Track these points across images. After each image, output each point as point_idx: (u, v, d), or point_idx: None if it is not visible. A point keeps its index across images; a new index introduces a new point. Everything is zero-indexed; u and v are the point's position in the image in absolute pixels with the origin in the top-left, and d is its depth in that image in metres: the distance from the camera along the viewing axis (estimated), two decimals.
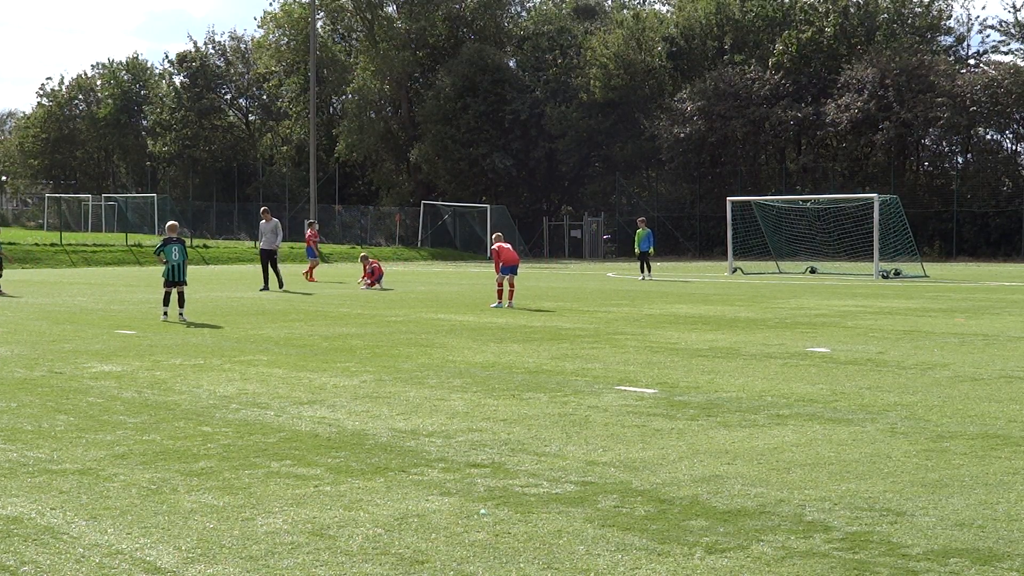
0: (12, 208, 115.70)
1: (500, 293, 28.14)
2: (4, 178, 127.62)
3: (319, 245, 46.30)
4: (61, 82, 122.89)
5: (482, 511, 8.05)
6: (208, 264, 63.20)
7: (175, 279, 24.18)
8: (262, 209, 37.23)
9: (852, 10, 77.78)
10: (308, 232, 45.94)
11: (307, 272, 42.82)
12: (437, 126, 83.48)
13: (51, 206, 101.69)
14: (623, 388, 13.93)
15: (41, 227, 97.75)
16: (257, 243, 37.24)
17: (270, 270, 35.60)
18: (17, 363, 16.62)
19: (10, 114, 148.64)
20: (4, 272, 34.60)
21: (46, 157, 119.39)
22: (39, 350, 18.41)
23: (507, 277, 28.01)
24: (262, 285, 35.34)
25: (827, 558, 6.96)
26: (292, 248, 74.40)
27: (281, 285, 35.37)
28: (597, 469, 9.38)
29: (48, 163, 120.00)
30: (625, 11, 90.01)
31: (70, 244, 71.91)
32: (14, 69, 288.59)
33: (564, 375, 15.19)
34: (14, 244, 69.11)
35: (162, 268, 24.74)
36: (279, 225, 36.48)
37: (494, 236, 30.64)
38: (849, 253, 52.89)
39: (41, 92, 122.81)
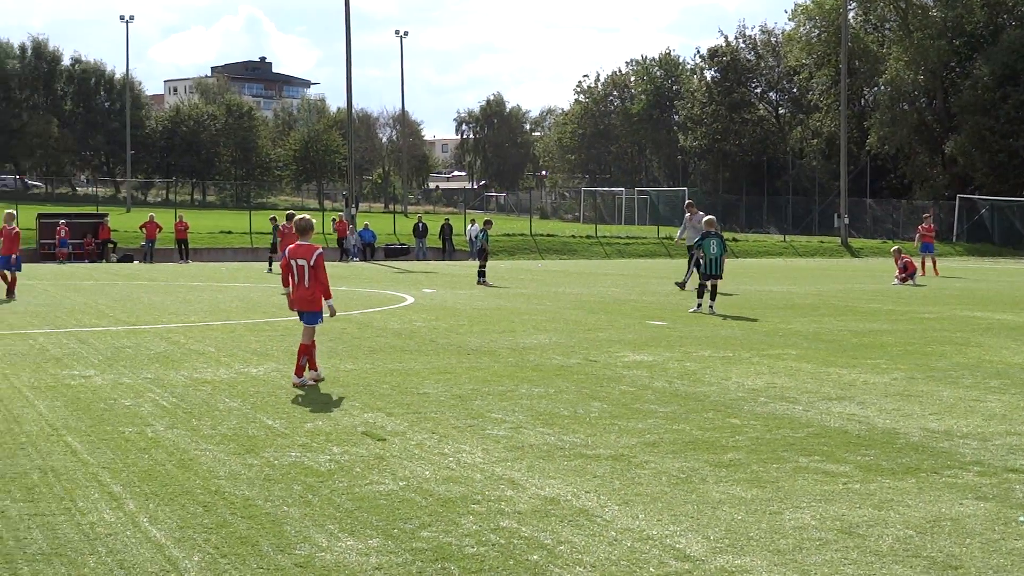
0: (551, 201, 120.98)
1: None
2: (544, 172, 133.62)
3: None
4: (597, 79, 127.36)
5: (1021, 518, 7.66)
6: (737, 257, 63.62)
7: (712, 272, 24.46)
8: (687, 203, 35.02)
9: None
10: (924, 226, 42.61)
11: (923, 266, 40.77)
12: (974, 117, 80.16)
13: (587, 199, 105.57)
14: None
15: (577, 220, 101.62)
16: (680, 238, 34.55)
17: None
18: (555, 350, 17.34)
19: (549, 111, 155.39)
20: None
21: (582, 152, 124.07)
22: (575, 338, 19.12)
23: None
24: (681, 279, 32.89)
25: None
26: (821, 242, 73.68)
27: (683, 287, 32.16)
28: None
29: (584, 158, 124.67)
30: None
31: (604, 236, 74.39)
32: (554, 68, 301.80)
33: None
34: (552, 236, 72.20)
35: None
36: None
37: None
38: None
39: (578, 89, 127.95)
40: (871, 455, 9.71)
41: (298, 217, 14.28)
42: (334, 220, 64.47)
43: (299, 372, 13.62)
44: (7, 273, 27.99)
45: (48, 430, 10.61)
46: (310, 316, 13.82)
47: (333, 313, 14.25)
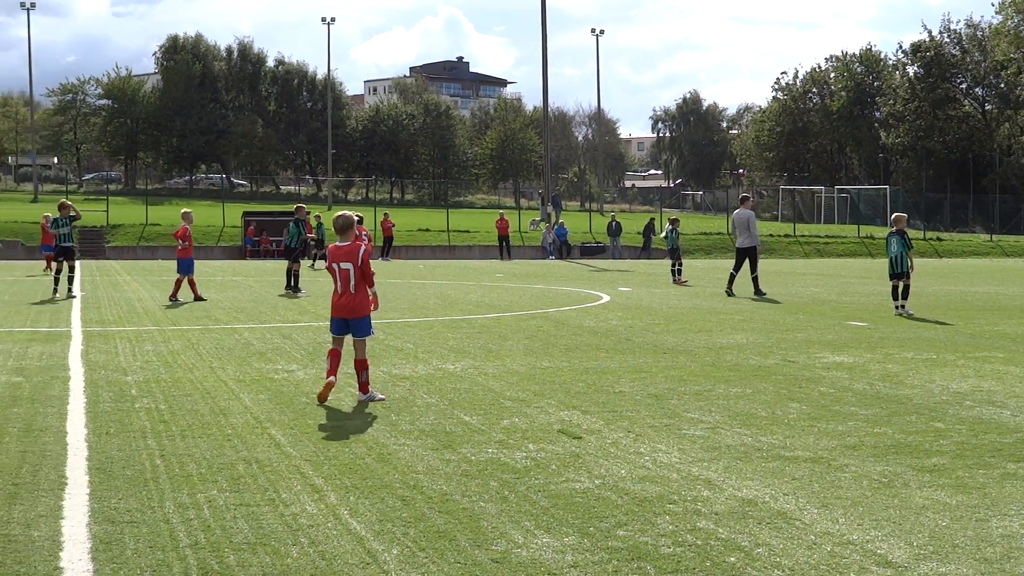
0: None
1: None
2: (741, 171, 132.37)
3: None
4: (796, 76, 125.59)
5: None
6: (941, 257, 62.04)
7: (896, 271, 23.99)
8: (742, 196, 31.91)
9: None
10: None
11: None
12: None
13: (784, 198, 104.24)
14: None
15: (775, 218, 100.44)
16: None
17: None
18: (752, 350, 17.14)
19: (747, 108, 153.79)
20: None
21: (780, 150, 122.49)
22: (773, 338, 18.88)
23: None
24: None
25: None
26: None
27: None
28: None
29: (782, 155, 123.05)
30: None
31: (803, 235, 73.42)
32: (752, 65, 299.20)
33: None
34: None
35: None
36: (752, 219, 30.12)
37: None
38: None
39: (776, 86, 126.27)
40: None
41: (337, 215, 12.75)
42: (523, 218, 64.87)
43: (364, 388, 12.37)
44: (186, 278, 27.17)
45: (253, 422, 10.89)
46: (361, 325, 12.56)
47: (376, 304, 12.83)
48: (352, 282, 12.45)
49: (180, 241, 27.50)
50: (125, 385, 13.22)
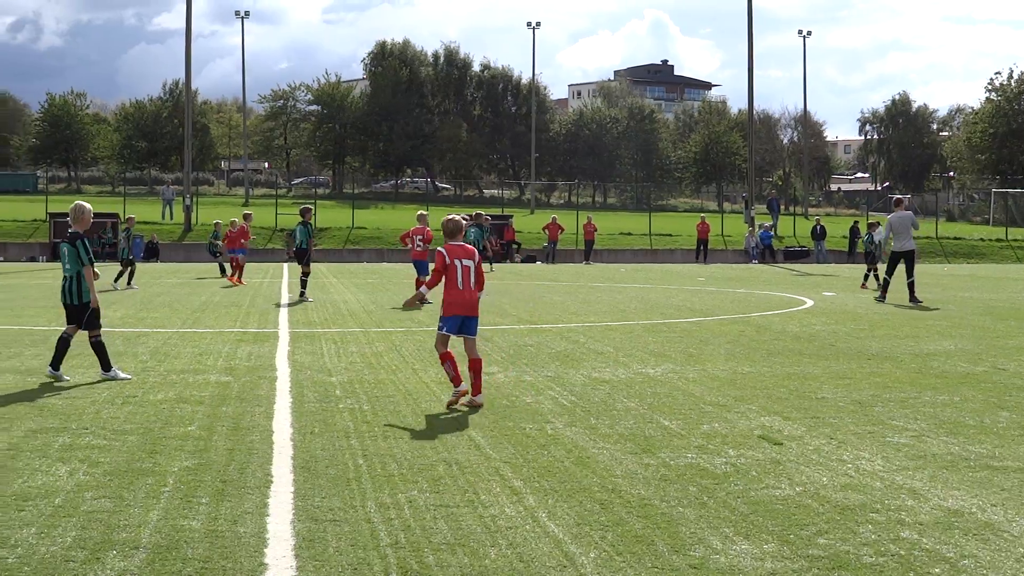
0: (958, 203, 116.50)
1: None
2: (952, 174, 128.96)
3: None
4: (1010, 76, 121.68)
5: None
6: None
7: None
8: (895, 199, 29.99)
9: None
10: None
11: None
12: None
13: (997, 201, 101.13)
14: None
15: (987, 222, 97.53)
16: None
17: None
18: (960, 357, 16.70)
19: (959, 110, 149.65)
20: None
21: (993, 152, 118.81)
22: (983, 345, 18.37)
23: None
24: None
25: None
26: None
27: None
28: None
29: (995, 158, 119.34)
30: None
31: (1015, 239, 71.13)
32: (965, 65, 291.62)
33: None
34: (959, 239, 69.55)
35: None
36: (914, 221, 28.67)
37: None
38: None
39: (990, 87, 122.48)
40: None
41: (447, 218, 12.83)
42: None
43: (479, 390, 12.29)
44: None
45: (453, 424, 11.03)
46: (475, 324, 12.75)
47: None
48: (472, 279, 12.52)
49: (422, 244, 27.83)
50: (330, 386, 13.53)
